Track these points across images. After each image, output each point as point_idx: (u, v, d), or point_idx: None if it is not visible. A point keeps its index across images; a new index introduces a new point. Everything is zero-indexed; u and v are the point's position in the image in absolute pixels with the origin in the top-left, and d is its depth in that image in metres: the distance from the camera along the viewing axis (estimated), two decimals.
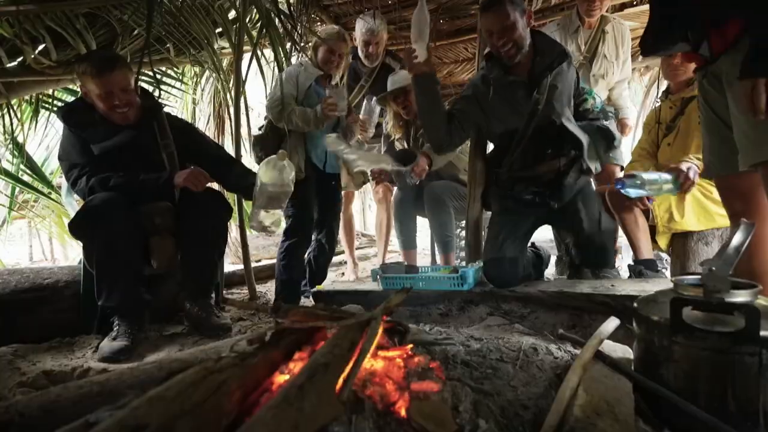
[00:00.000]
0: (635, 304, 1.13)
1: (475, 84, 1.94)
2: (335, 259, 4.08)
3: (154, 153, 1.92)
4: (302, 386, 0.67)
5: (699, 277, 1.03)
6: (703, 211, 1.92)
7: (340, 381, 0.71)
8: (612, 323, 1.30)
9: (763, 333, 0.89)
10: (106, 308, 1.75)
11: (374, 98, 2.62)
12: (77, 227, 1.72)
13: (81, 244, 1.79)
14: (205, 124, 3.33)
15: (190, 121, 3.08)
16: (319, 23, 3.02)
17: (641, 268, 2.00)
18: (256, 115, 3.75)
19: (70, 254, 4.86)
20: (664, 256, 2.61)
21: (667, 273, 2.25)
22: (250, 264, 2.54)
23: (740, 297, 0.95)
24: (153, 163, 1.90)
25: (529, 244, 2.14)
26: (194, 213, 1.87)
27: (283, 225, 2.31)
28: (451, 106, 1.97)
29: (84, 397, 0.95)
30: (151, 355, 1.70)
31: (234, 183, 2.13)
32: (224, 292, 2.50)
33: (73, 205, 2.00)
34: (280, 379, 0.76)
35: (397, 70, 2.68)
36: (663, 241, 2.07)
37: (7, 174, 2.35)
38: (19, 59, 1.99)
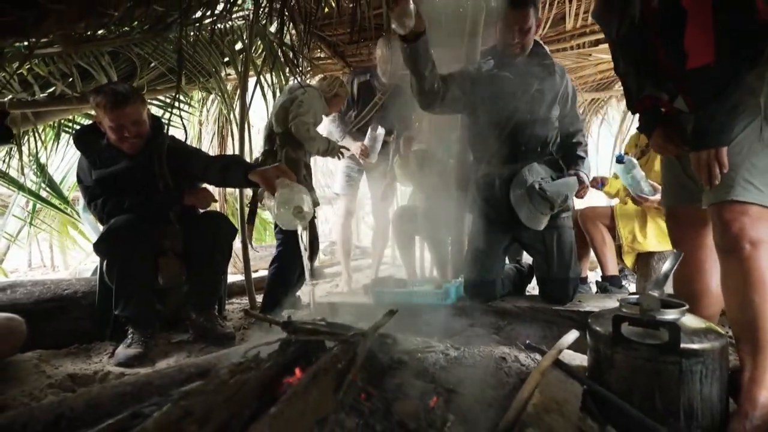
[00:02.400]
0: (589, 320, 1.33)
1: (471, 70, 2.03)
2: (330, 270, 4.27)
3: (149, 182, 2.03)
4: (307, 385, 0.85)
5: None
6: (662, 233, 2.14)
7: (337, 383, 0.90)
8: (572, 335, 1.50)
9: (683, 346, 1.09)
10: (122, 318, 1.91)
11: (379, 126, 2.82)
12: (101, 247, 1.90)
13: (103, 260, 1.96)
14: (209, 143, 3.54)
15: (189, 141, 3.25)
16: (318, 51, 3.23)
17: (606, 284, 2.21)
18: (256, 131, 3.93)
19: (70, 262, 4.97)
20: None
21: (632, 287, 2.47)
22: (251, 276, 2.71)
23: (668, 315, 1.15)
24: (150, 191, 2.03)
25: (514, 260, 2.34)
26: (200, 235, 2.05)
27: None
28: (446, 74, 1.98)
29: (119, 395, 1.12)
30: (162, 361, 1.86)
31: (221, 181, 2.07)
32: (225, 302, 2.66)
33: (89, 219, 2.17)
34: (290, 380, 0.95)
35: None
36: (629, 260, 2.28)
37: (30, 192, 2.53)
38: (49, 91, 2.17)
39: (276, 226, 2.57)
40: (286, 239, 2.45)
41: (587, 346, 1.65)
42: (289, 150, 2.44)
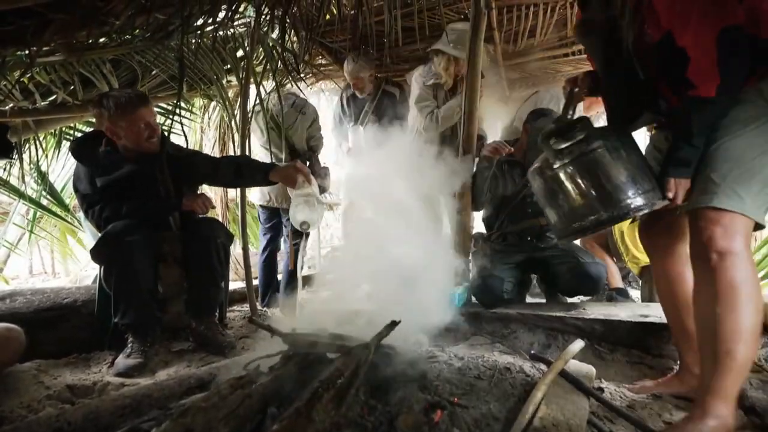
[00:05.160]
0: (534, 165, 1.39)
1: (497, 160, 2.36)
2: (331, 277, 4.24)
3: (151, 187, 2.03)
4: (310, 400, 0.84)
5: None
6: None
7: (340, 397, 0.88)
8: (577, 345, 1.48)
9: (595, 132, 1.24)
10: (122, 325, 1.89)
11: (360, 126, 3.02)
12: (98, 253, 1.88)
13: (101, 267, 1.94)
14: (211, 149, 3.54)
15: (190, 147, 3.27)
16: (319, 57, 3.24)
17: (613, 294, 2.19)
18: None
19: (71, 269, 4.96)
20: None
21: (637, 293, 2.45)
22: (251, 282, 2.69)
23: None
24: (150, 196, 2.03)
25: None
26: (197, 241, 2.04)
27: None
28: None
29: (119, 408, 1.10)
30: (162, 371, 1.84)
31: (235, 181, 2.21)
32: (226, 309, 2.64)
33: (91, 227, 2.15)
34: (291, 394, 0.93)
35: (397, 95, 3.10)
36: (635, 269, 2.27)
37: (31, 200, 2.52)
38: (50, 99, 2.17)
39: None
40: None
41: (593, 354, 1.63)
42: (315, 161, 2.89)
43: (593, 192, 1.23)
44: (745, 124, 1.14)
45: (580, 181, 1.24)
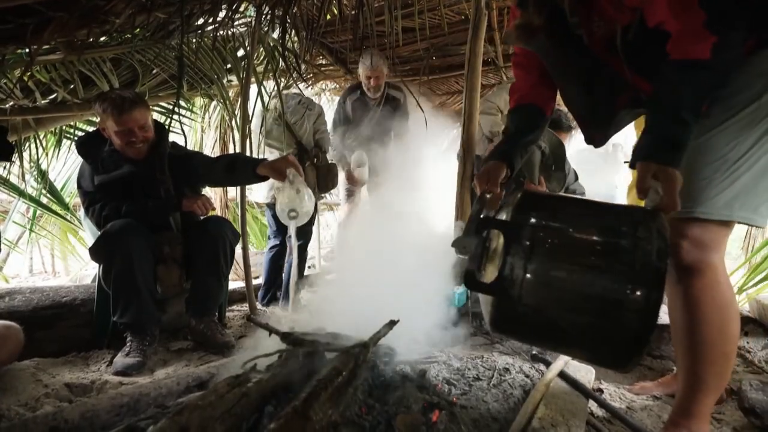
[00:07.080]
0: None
1: None
2: (330, 277, 4.23)
3: (150, 188, 2.03)
4: (307, 399, 0.83)
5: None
6: None
7: (338, 396, 0.87)
8: None
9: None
10: (121, 324, 1.88)
11: (363, 153, 3.06)
12: (97, 251, 1.88)
13: (100, 266, 1.94)
14: (211, 149, 3.55)
15: (192, 147, 3.28)
16: (320, 57, 3.25)
17: None
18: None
19: (71, 268, 4.96)
20: None
21: None
22: (251, 282, 2.69)
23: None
24: (150, 196, 2.03)
25: None
26: (205, 240, 2.03)
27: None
28: None
29: (116, 407, 1.10)
30: (161, 370, 1.83)
31: (227, 179, 2.20)
32: (226, 309, 2.64)
33: (91, 226, 2.15)
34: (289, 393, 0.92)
35: (402, 99, 3.07)
36: None
37: (31, 198, 2.53)
38: (51, 97, 2.18)
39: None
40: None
41: None
42: (323, 158, 2.87)
43: (591, 279, 0.84)
44: (735, 111, 0.96)
45: (566, 278, 0.86)
